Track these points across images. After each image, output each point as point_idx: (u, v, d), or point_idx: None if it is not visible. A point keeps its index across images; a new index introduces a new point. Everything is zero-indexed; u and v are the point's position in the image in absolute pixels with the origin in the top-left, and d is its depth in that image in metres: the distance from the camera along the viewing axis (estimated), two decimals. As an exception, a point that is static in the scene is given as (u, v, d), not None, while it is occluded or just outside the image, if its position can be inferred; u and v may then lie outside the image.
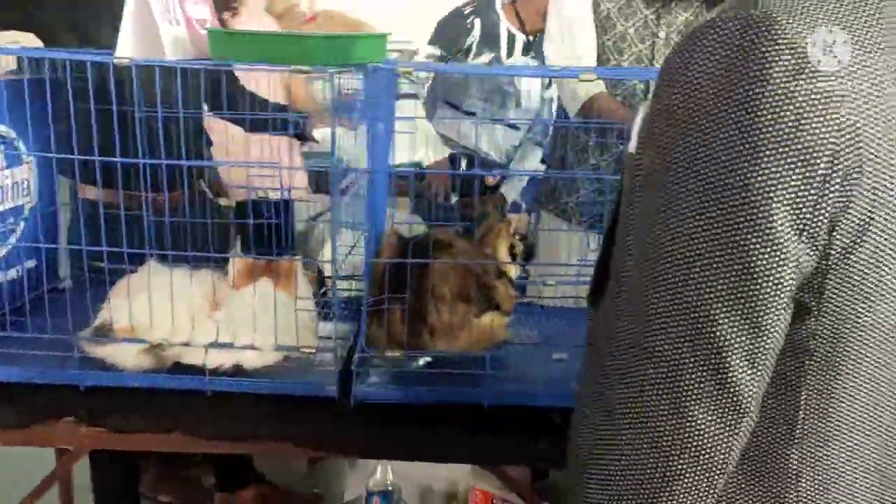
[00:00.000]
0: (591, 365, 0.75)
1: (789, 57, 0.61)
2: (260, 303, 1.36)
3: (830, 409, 0.69)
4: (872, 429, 0.72)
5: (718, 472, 0.65)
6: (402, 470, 2.27)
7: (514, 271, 1.62)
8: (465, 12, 2.88)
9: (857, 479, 0.72)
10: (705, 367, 0.64)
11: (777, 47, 0.61)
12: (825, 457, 0.70)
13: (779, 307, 0.63)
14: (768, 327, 0.63)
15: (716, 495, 0.66)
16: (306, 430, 1.36)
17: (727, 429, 0.64)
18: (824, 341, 0.68)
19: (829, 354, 0.68)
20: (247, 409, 1.36)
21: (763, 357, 0.64)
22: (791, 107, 0.60)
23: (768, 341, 0.64)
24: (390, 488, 1.93)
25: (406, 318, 1.39)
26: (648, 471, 0.65)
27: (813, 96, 0.60)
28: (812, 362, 0.68)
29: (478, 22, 2.86)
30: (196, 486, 2.51)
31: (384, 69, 1.25)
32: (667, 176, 0.65)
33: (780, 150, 0.61)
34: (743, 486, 0.71)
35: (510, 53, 2.86)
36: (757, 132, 0.61)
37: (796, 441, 0.70)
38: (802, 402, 0.69)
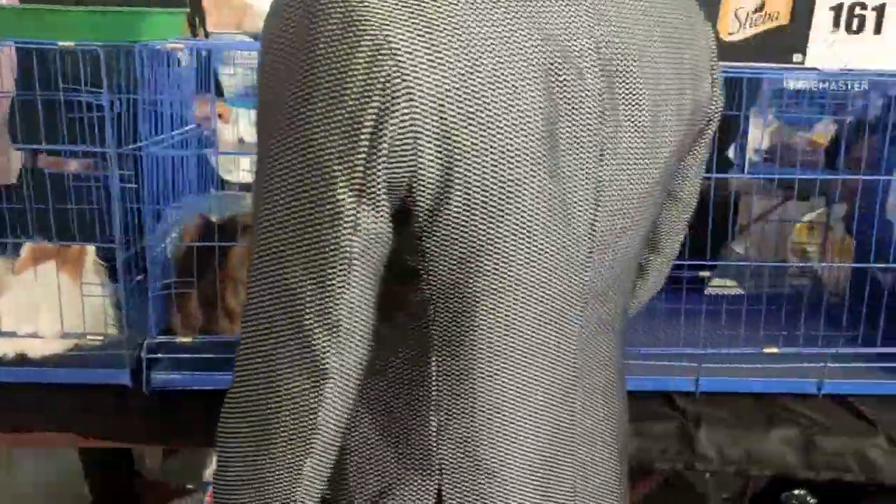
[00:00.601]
0: None
1: (341, 13, 0.59)
2: (42, 288, 1.31)
3: (464, 379, 0.69)
4: (524, 406, 0.71)
5: (310, 432, 0.64)
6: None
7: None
8: None
9: (509, 456, 0.72)
10: (287, 327, 0.63)
11: (331, 3, 0.59)
12: (467, 427, 0.70)
13: (342, 268, 0.62)
14: (335, 288, 0.62)
15: (317, 455, 0.65)
16: (95, 420, 1.32)
17: (312, 390, 0.63)
18: (442, 307, 0.67)
19: (450, 321, 0.68)
20: (33, 399, 1.31)
21: (335, 319, 0.62)
22: (338, 65, 0.59)
23: (339, 303, 0.62)
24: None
25: (201, 303, 1.36)
26: (252, 427, 0.65)
27: (359, 53, 0.58)
28: (436, 329, 0.68)
29: None
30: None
31: (149, 47, 1.21)
32: (261, 138, 0.64)
33: (329, 109, 0.59)
34: (392, 448, 0.71)
35: None
36: (310, 91, 0.59)
37: (433, 408, 0.70)
38: (433, 370, 0.69)
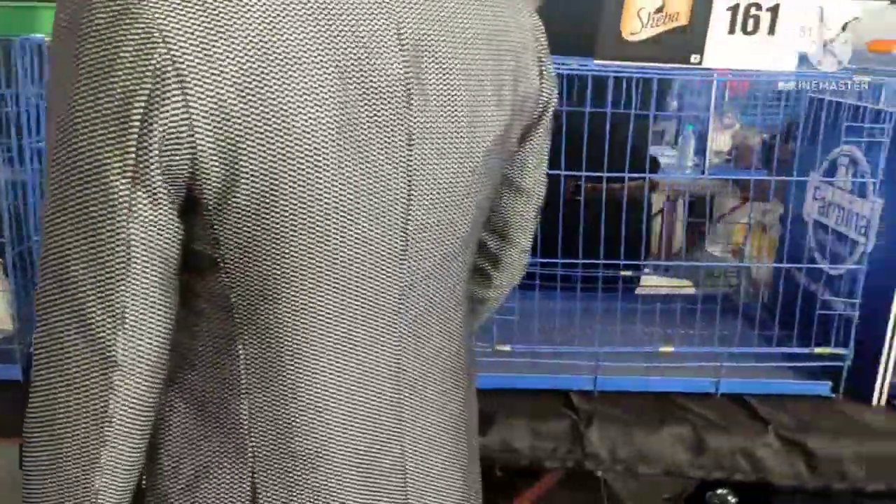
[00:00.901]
0: None
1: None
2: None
3: (273, 367, 0.69)
4: (341, 395, 0.71)
5: (102, 422, 0.64)
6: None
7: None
8: None
9: (329, 443, 0.71)
10: (70, 315, 0.63)
11: None
12: (279, 414, 0.70)
13: (120, 256, 0.62)
14: (115, 276, 0.62)
15: (114, 444, 0.65)
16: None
17: (100, 379, 0.63)
18: (243, 296, 0.67)
19: (253, 310, 0.68)
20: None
21: (120, 307, 0.62)
22: (108, 51, 0.59)
23: (121, 291, 0.62)
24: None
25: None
26: (46, 418, 0.65)
27: (129, 40, 0.58)
28: (239, 317, 0.68)
29: None
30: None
31: (30, 40, 1.20)
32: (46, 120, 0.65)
33: (98, 96, 0.59)
34: (206, 436, 0.71)
35: None
36: (82, 76, 0.59)
37: (244, 395, 0.70)
38: (241, 356, 0.69)
